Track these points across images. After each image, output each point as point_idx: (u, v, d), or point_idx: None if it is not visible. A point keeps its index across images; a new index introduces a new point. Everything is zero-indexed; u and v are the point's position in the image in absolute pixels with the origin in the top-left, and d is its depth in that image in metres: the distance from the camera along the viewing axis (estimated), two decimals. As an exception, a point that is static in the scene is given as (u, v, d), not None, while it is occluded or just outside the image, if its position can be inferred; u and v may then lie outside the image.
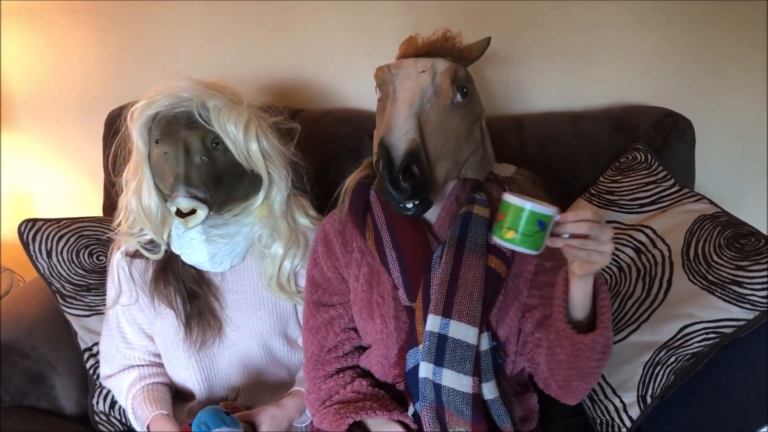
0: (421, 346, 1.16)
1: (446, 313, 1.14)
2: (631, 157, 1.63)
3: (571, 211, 0.97)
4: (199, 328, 1.39)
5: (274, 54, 1.95)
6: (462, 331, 1.13)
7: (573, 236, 0.96)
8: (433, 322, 1.14)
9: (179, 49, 1.99)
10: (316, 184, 1.51)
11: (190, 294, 1.40)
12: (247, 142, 1.31)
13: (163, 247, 1.39)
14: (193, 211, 1.24)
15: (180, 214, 1.24)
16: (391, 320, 1.21)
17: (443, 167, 1.12)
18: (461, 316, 1.13)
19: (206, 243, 1.36)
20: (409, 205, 1.08)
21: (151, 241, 1.40)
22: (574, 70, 1.86)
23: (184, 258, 1.39)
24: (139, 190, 1.33)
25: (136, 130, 1.29)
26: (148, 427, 1.36)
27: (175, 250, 1.39)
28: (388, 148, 1.05)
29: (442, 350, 1.14)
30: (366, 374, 1.29)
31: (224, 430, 1.23)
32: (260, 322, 1.43)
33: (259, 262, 1.42)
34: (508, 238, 0.98)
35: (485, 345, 1.16)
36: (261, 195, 1.36)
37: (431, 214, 1.23)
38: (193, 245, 1.37)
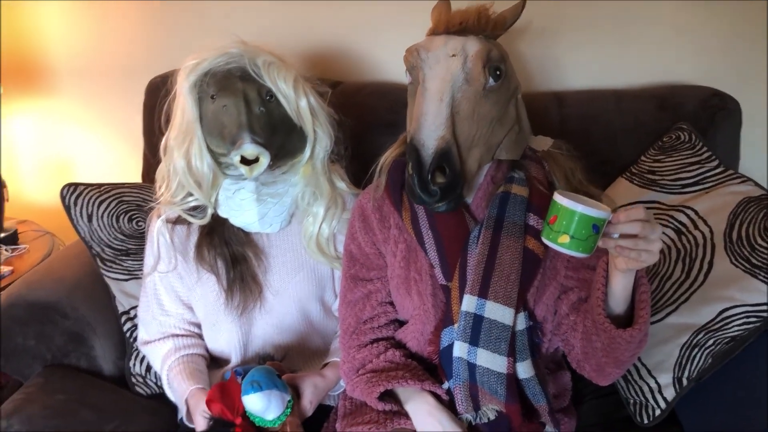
0: (456, 326, 1.16)
1: (482, 293, 1.13)
2: (674, 136, 1.59)
3: (623, 209, 0.95)
4: (241, 294, 1.40)
5: (313, 25, 1.94)
6: (498, 312, 1.13)
7: (623, 236, 0.95)
8: (468, 303, 1.14)
9: (219, 19, 1.99)
10: (354, 158, 1.51)
11: (233, 259, 1.41)
12: (296, 98, 1.34)
13: (210, 211, 1.40)
14: (255, 160, 1.27)
15: (245, 162, 1.27)
16: (429, 297, 1.21)
17: (475, 155, 1.10)
18: (497, 296, 1.13)
19: (257, 203, 1.37)
20: (440, 205, 1.07)
21: (195, 207, 1.41)
22: (617, 45, 1.81)
23: (232, 220, 1.41)
24: (189, 153, 1.34)
25: (185, 90, 1.31)
26: (186, 401, 1.38)
27: (223, 213, 1.41)
28: (418, 147, 1.04)
29: (477, 330, 1.14)
30: (400, 346, 1.30)
31: (275, 393, 1.23)
32: (299, 286, 1.44)
33: (302, 226, 1.43)
34: (561, 243, 0.96)
35: (521, 325, 1.16)
36: (307, 151, 1.38)
37: (467, 194, 1.21)
38: (243, 206, 1.38)
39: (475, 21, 1.10)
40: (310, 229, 1.42)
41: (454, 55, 1.09)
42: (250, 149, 1.26)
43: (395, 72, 1.91)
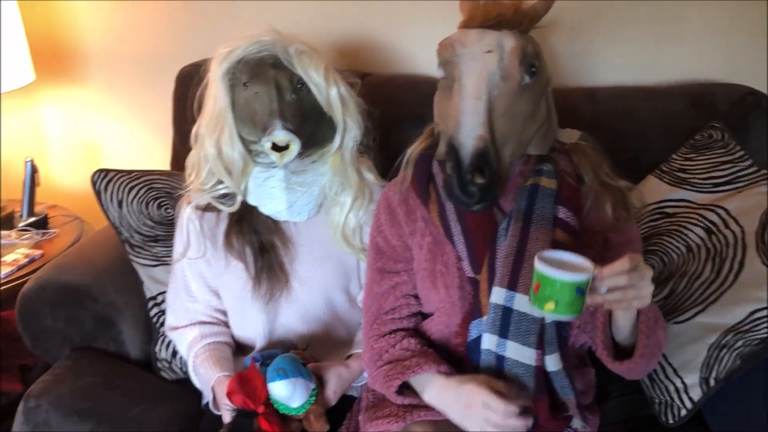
0: (485, 318, 1.15)
1: (512, 285, 1.13)
2: (707, 135, 1.57)
3: (609, 266, 0.96)
4: (268, 282, 1.41)
5: (343, 15, 1.95)
6: (527, 304, 1.11)
7: (612, 289, 0.96)
8: (498, 295, 1.14)
9: (250, 9, 2.00)
10: (382, 150, 1.51)
11: (261, 247, 1.42)
12: (327, 87, 1.35)
13: (239, 199, 1.41)
14: (285, 147, 1.28)
15: (276, 148, 1.28)
16: (456, 290, 1.20)
17: (508, 151, 1.09)
18: (527, 289, 1.12)
19: (286, 191, 1.38)
20: (478, 206, 1.07)
21: (224, 195, 1.42)
22: (650, 42, 1.80)
23: (261, 208, 1.42)
24: (219, 141, 1.35)
25: (218, 77, 1.32)
26: (212, 388, 1.39)
27: (252, 201, 1.42)
28: (457, 147, 1.03)
29: (507, 323, 1.13)
30: (419, 335, 1.29)
31: (300, 381, 1.24)
32: (325, 276, 1.45)
33: (329, 216, 1.44)
34: (547, 310, 0.97)
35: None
36: (337, 140, 1.39)
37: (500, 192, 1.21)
38: (273, 194, 1.39)
39: (512, 15, 1.08)
40: (337, 219, 1.42)
41: (490, 51, 1.07)
42: (281, 135, 1.27)
43: (424, 64, 1.90)
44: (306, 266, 1.44)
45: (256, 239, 1.42)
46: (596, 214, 1.17)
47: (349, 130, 1.39)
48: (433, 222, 1.23)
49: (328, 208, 1.44)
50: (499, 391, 1.09)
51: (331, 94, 1.36)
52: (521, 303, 1.12)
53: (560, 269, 0.95)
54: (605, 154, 1.22)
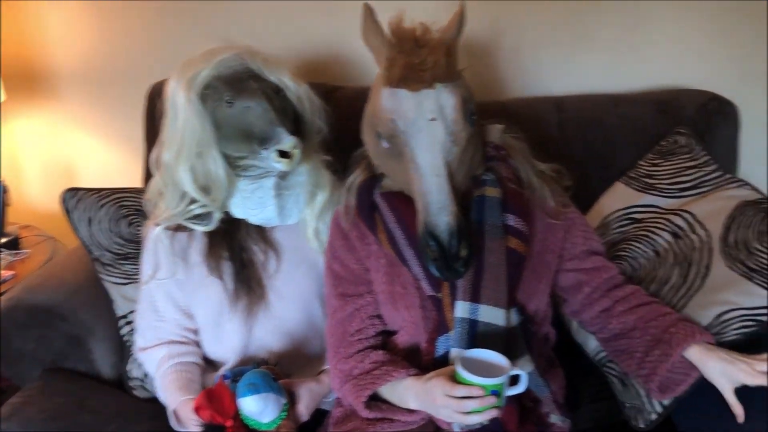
0: (452, 333, 1.16)
1: (475, 298, 1.14)
2: (672, 140, 1.60)
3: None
4: (247, 298, 1.41)
5: (314, 29, 1.96)
6: (491, 314, 1.14)
7: None
8: (463, 309, 1.15)
9: (217, 26, 2.01)
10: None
11: (242, 263, 1.42)
12: (297, 89, 1.37)
13: (217, 216, 1.41)
14: (288, 153, 1.29)
15: (283, 155, 1.28)
16: (417, 310, 1.21)
17: (460, 183, 1.13)
18: (489, 299, 1.14)
19: (276, 198, 1.40)
20: (463, 271, 1.08)
21: (197, 215, 1.41)
22: (617, 51, 1.83)
23: (251, 219, 1.42)
24: (196, 164, 1.34)
25: (189, 101, 1.30)
26: (176, 412, 1.38)
27: (239, 214, 1.42)
28: (436, 233, 1.04)
29: (473, 334, 1.14)
30: (387, 348, 1.29)
31: (272, 396, 1.23)
32: (302, 284, 1.45)
33: (302, 216, 1.45)
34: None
35: (514, 321, 1.17)
36: (310, 139, 1.41)
37: None
38: (264, 202, 1.40)
39: (445, 70, 1.05)
40: (310, 218, 1.44)
41: (434, 119, 1.05)
42: (290, 142, 1.27)
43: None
44: (285, 276, 1.44)
45: (238, 255, 1.42)
46: (545, 223, 1.22)
47: (318, 129, 1.43)
48: (384, 248, 1.23)
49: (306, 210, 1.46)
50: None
51: (302, 95, 1.38)
52: (486, 313, 1.13)
53: (493, 360, 1.08)
54: (525, 140, 1.26)
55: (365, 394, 1.19)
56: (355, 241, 1.27)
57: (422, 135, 1.05)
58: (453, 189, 1.06)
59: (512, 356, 1.13)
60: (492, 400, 1.02)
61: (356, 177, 1.27)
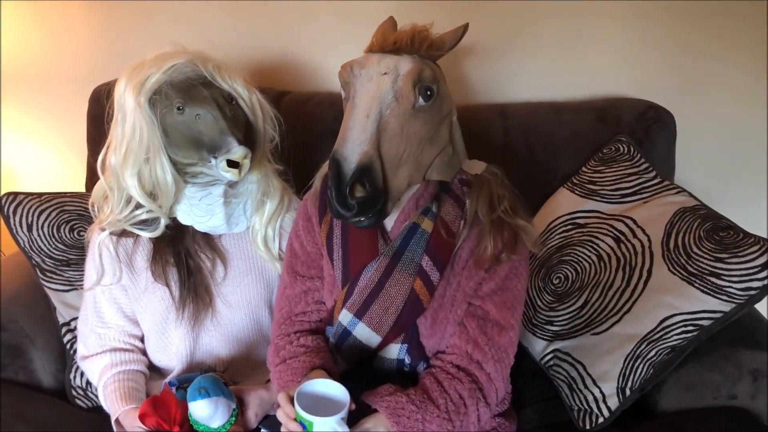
0: (333, 328, 1.23)
1: (359, 314, 1.19)
2: (614, 148, 1.64)
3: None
4: (194, 305, 1.39)
5: (262, 34, 1.95)
6: (365, 335, 1.19)
7: None
8: (344, 316, 1.20)
9: (163, 28, 1.98)
10: (302, 167, 1.51)
11: (188, 270, 1.40)
12: (249, 96, 1.36)
13: (163, 222, 1.38)
14: (237, 163, 1.27)
15: (232, 164, 1.27)
16: (331, 302, 1.27)
17: (404, 173, 1.10)
18: (371, 322, 1.18)
19: (224, 206, 1.38)
20: (362, 218, 1.06)
21: (143, 221, 1.39)
22: (558, 60, 1.87)
23: (198, 226, 1.40)
24: (143, 169, 1.31)
25: (138, 106, 1.27)
26: (118, 420, 1.35)
27: (185, 221, 1.39)
28: (339, 161, 1.03)
29: (343, 341, 1.21)
30: (320, 331, 1.31)
31: (222, 400, 1.22)
32: (250, 292, 1.45)
33: (251, 223, 1.45)
34: None
35: (394, 354, 1.22)
36: (260, 147, 1.40)
37: (389, 219, 1.21)
38: (212, 210, 1.38)
39: (409, 41, 1.10)
40: (258, 226, 1.43)
41: (385, 74, 1.08)
42: (240, 151, 1.25)
43: (343, 83, 1.92)
44: (233, 284, 1.43)
45: (185, 262, 1.40)
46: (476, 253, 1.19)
47: (268, 136, 1.42)
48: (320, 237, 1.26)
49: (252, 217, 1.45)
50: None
51: (253, 102, 1.37)
52: (361, 332, 1.19)
53: (328, 394, 1.08)
54: (511, 191, 1.22)
55: (288, 388, 1.17)
56: (316, 225, 1.29)
57: (370, 83, 1.08)
58: (388, 164, 1.06)
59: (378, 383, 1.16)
60: None
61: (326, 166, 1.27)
